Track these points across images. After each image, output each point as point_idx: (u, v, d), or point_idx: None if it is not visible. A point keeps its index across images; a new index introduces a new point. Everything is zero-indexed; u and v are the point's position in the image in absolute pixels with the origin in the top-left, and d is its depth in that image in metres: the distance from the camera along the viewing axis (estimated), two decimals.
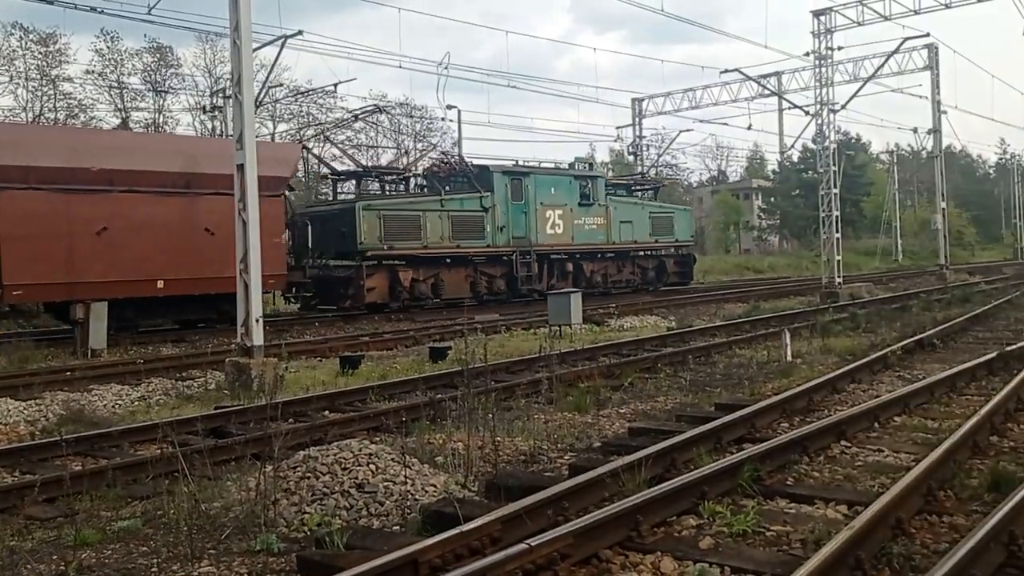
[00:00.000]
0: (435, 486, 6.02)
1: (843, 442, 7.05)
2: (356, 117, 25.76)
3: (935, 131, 34.45)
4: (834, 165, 27.83)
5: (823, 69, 27.61)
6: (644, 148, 42.24)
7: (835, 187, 27.63)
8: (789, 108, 37.09)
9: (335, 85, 31.57)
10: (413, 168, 26.14)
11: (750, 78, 35.11)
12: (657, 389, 10.46)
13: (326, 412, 9.51)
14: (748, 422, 7.53)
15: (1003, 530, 4.50)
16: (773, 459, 6.25)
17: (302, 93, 40.63)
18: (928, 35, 28.84)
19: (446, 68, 29.11)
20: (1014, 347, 11.24)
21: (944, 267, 33.88)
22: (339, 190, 25.49)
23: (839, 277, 27.07)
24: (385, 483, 5.95)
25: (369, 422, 8.65)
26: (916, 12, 25.78)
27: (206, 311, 19.25)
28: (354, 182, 24.51)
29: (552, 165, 28.05)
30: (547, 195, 25.66)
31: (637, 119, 41.31)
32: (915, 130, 50.65)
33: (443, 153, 26.81)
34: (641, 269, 29.74)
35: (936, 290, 25.38)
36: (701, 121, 40.30)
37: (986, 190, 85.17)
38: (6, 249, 15.76)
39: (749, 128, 39.13)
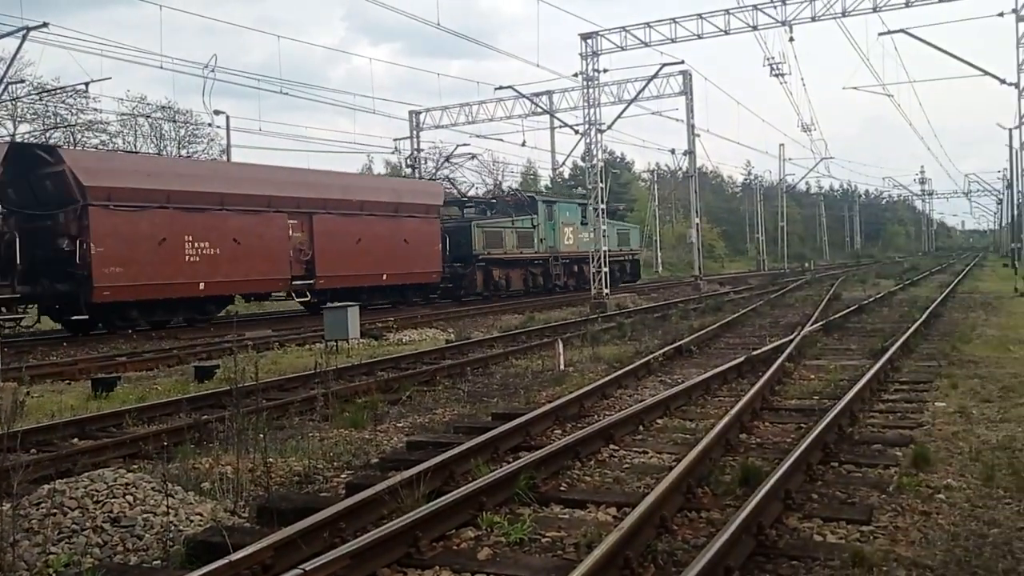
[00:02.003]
0: (201, 514, 5.65)
1: (612, 446, 7.37)
2: (447, 159, 34.41)
3: (690, 152, 37.26)
4: (601, 182, 29.35)
5: (591, 90, 29.06)
6: (422, 161, 42.52)
7: (602, 203, 29.13)
8: (560, 126, 38.80)
9: (86, 84, 29.45)
10: (492, 198, 35.29)
11: (523, 95, 36.36)
12: (436, 402, 10.45)
13: (75, 440, 8.67)
14: (524, 431, 7.69)
15: (753, 522, 4.86)
16: (548, 466, 6.41)
17: (48, 91, 37.20)
18: (683, 63, 31.21)
19: (213, 71, 27.95)
20: (759, 352, 12.31)
21: (698, 278, 36.64)
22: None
23: (607, 288, 28.54)
24: (144, 515, 5.51)
25: (125, 449, 7.97)
26: (673, 40, 27.78)
27: (395, 295, 28.62)
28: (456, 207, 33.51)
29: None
30: (565, 216, 35.21)
31: (415, 132, 41.51)
32: (673, 151, 54.66)
33: (510, 187, 38.23)
34: (611, 270, 36.99)
35: (692, 300, 27.36)
36: (478, 136, 41.20)
37: (733, 207, 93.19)
38: (319, 251, 24.41)
39: (523, 144, 40.64)
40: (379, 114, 76.80)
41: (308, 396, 10.10)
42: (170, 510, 5.55)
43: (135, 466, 7.26)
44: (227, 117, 35.95)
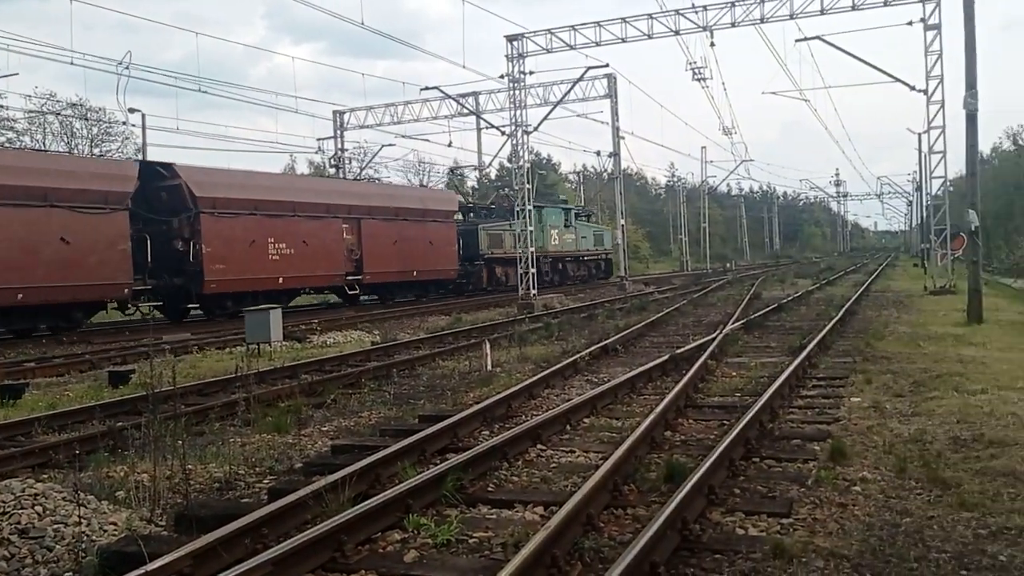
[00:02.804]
0: (116, 524, 5.47)
1: (539, 445, 7.39)
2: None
3: (615, 155, 37.66)
4: (528, 183, 29.46)
5: (517, 92, 29.14)
6: (346, 161, 42.02)
7: (529, 204, 29.26)
8: (487, 128, 38.80)
9: None
10: (491, 203, 39.66)
11: (449, 96, 36.25)
12: (361, 404, 10.32)
13: None
14: (451, 432, 7.65)
15: (677, 518, 4.92)
16: (475, 467, 6.38)
17: None
18: (607, 66, 31.49)
19: (127, 68, 27.12)
20: (682, 350, 12.51)
21: (624, 278, 37.09)
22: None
23: (534, 289, 28.65)
24: (55, 525, 5.31)
25: (34, 458, 7.65)
26: (597, 44, 28.01)
27: (422, 290, 33.23)
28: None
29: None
30: (551, 220, 39.05)
31: (339, 132, 41.01)
32: (598, 153, 55.11)
33: (508, 193, 38.41)
34: (587, 267, 44.02)
35: (618, 299, 27.66)
36: (403, 136, 40.93)
37: (657, 209, 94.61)
38: (366, 252, 28.69)
39: (449, 145, 40.49)
40: (302, 114, 75.61)
41: (229, 401, 9.87)
42: (82, 520, 5.36)
43: (45, 476, 6.98)
44: (143, 115, 34.87)
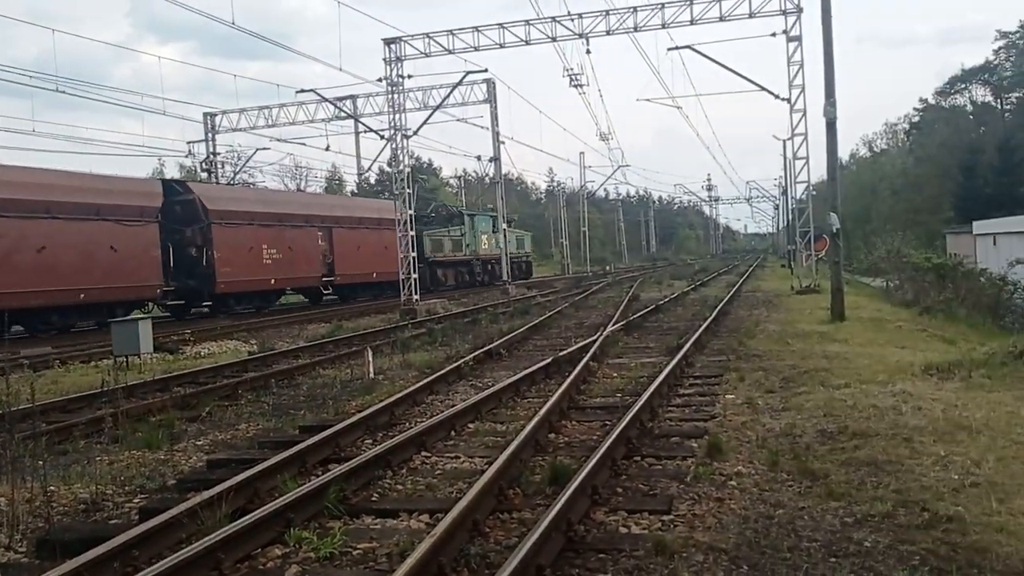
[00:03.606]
0: None
1: (424, 453, 7.33)
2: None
3: (495, 159, 37.85)
4: (408, 188, 29.27)
5: (395, 96, 28.92)
6: (219, 165, 40.70)
7: (410, 209, 29.07)
8: (365, 131, 38.33)
9: None
10: (431, 212, 43.51)
11: (326, 99, 35.65)
12: (238, 417, 9.99)
13: None
14: (333, 442, 7.50)
15: (562, 519, 4.96)
16: (358, 477, 6.28)
17: None
18: (487, 71, 31.66)
19: None
20: (565, 352, 12.67)
21: (507, 282, 37.32)
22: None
23: (416, 295, 28.48)
24: None
25: None
26: (476, 49, 28.10)
27: (379, 291, 36.20)
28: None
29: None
30: (481, 227, 44.10)
31: (210, 135, 39.70)
32: (479, 158, 55.32)
33: (446, 205, 45.19)
34: (512, 269, 45.30)
35: (501, 304, 27.81)
36: (278, 140, 39.95)
37: (538, 213, 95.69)
38: (336, 256, 32.83)
39: (327, 149, 39.78)
40: (171, 116, 72.88)
41: (95, 417, 9.37)
42: None
43: None
44: None
